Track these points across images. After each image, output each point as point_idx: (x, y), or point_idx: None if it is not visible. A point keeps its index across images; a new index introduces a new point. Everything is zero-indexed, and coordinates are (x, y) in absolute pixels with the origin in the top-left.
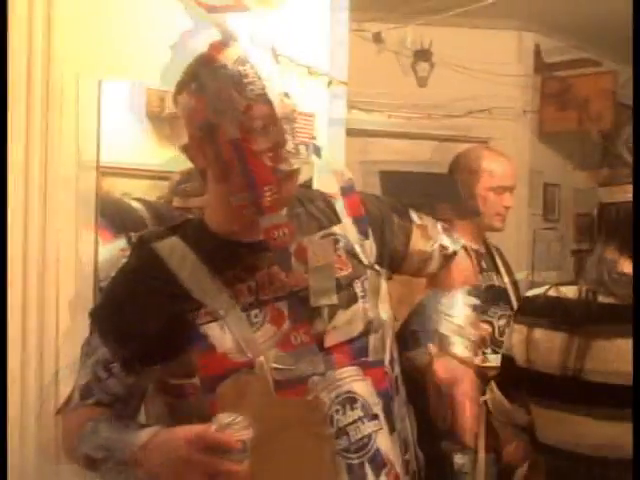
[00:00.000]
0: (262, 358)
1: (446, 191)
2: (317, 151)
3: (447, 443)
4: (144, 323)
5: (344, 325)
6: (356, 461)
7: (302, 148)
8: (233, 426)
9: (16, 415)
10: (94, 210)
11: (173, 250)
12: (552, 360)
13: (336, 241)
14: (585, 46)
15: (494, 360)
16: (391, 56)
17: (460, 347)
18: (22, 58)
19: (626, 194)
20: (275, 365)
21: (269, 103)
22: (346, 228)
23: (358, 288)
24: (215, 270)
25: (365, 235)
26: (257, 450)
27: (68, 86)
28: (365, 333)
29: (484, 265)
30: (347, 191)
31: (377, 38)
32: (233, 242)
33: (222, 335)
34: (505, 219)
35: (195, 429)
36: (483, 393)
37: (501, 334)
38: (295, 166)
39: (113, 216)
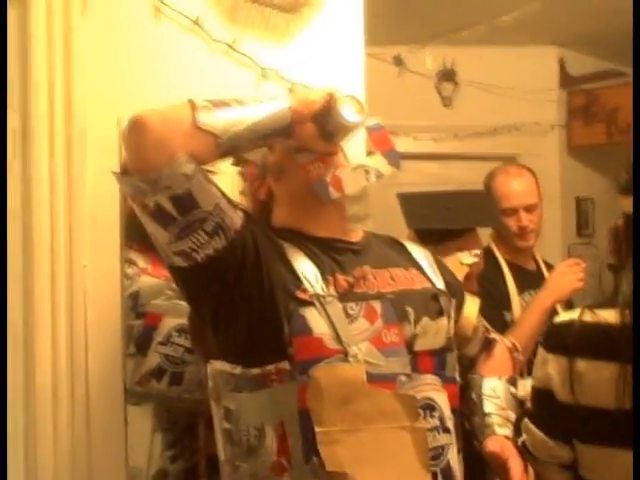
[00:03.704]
0: (355, 348)
1: (467, 207)
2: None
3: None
4: (251, 293)
5: (432, 335)
6: (431, 468)
7: None
8: None
9: None
10: (119, 242)
11: (280, 240)
12: (603, 393)
13: (367, 172)
14: (610, 57)
15: None
16: (413, 78)
17: (502, 427)
18: (43, 96)
19: None
20: (367, 358)
21: None
22: (376, 160)
23: (442, 304)
24: (316, 263)
25: (396, 165)
26: (348, 438)
27: (90, 124)
28: (446, 349)
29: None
30: (373, 129)
31: (397, 61)
32: (326, 240)
33: (319, 320)
34: (530, 237)
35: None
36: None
37: None
38: None
39: None
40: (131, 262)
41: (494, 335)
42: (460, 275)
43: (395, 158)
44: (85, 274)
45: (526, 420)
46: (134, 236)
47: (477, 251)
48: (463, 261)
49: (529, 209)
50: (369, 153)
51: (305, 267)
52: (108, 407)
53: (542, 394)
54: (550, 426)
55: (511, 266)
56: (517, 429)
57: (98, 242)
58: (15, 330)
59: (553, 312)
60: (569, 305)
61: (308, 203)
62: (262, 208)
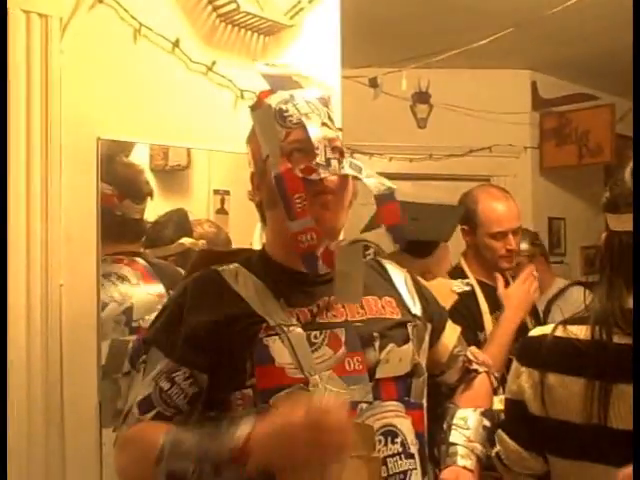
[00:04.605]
0: (317, 377)
1: (432, 219)
2: (354, 167)
3: None
4: (209, 333)
5: (396, 362)
6: None
7: (334, 162)
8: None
9: None
10: (95, 261)
11: (236, 274)
12: (571, 407)
13: (366, 248)
14: (581, 81)
15: None
16: (389, 100)
17: (464, 458)
18: (20, 116)
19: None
20: (328, 386)
21: (304, 129)
22: (379, 235)
23: (410, 330)
24: (279, 294)
25: (401, 242)
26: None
27: (69, 143)
28: (411, 374)
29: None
30: (383, 199)
31: (373, 83)
32: (296, 272)
33: (282, 349)
34: (513, 259)
35: (306, 411)
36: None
37: None
38: (323, 175)
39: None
40: (124, 278)
41: (477, 367)
42: (449, 302)
43: (400, 234)
44: (61, 293)
45: (500, 431)
46: (119, 249)
47: (470, 281)
48: (454, 288)
49: (516, 232)
50: (372, 224)
51: (271, 309)
52: (82, 427)
53: (515, 406)
54: (523, 437)
55: (482, 285)
56: (491, 441)
57: (75, 261)
58: None
59: (523, 327)
60: (537, 319)
61: (288, 239)
62: (259, 208)
